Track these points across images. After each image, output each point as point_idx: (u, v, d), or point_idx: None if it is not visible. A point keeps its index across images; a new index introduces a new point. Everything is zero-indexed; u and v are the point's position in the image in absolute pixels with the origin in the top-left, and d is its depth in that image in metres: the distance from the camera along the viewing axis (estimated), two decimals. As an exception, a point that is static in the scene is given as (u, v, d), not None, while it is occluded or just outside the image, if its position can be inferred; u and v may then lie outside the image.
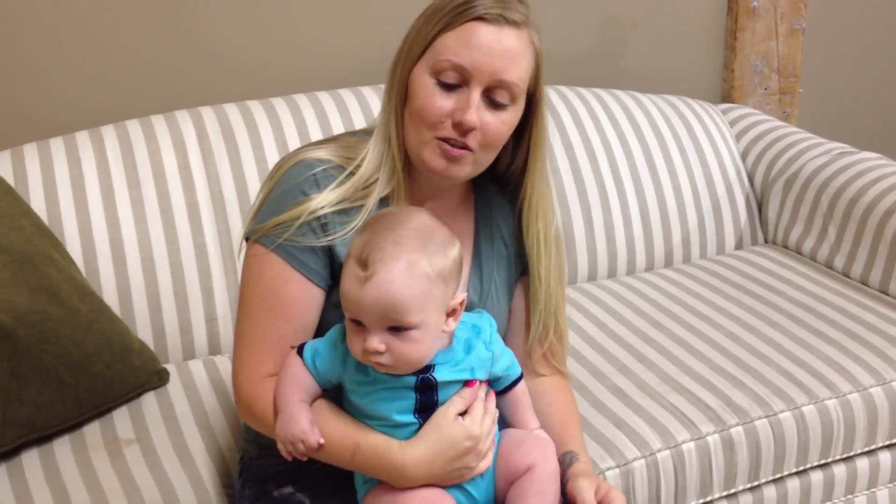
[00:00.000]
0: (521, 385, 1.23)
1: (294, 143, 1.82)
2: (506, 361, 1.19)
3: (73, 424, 1.48)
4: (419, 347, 1.07)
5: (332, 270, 1.21)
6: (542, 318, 1.31)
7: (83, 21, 1.87)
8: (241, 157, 1.78)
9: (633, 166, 2.08)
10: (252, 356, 1.19)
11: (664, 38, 2.40)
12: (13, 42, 1.84)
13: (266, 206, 1.21)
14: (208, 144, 1.78)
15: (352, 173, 1.20)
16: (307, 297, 1.20)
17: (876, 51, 2.73)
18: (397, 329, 1.05)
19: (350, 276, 1.06)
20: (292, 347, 1.18)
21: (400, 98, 1.21)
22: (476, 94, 1.15)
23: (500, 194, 1.33)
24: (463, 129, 1.16)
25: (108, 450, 1.44)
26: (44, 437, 1.45)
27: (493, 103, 1.17)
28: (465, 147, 1.17)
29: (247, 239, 1.24)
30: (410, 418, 1.11)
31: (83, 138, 1.75)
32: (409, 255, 1.05)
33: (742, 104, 2.45)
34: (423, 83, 1.17)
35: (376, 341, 1.05)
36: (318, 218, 1.18)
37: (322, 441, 1.10)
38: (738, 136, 2.26)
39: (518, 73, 1.17)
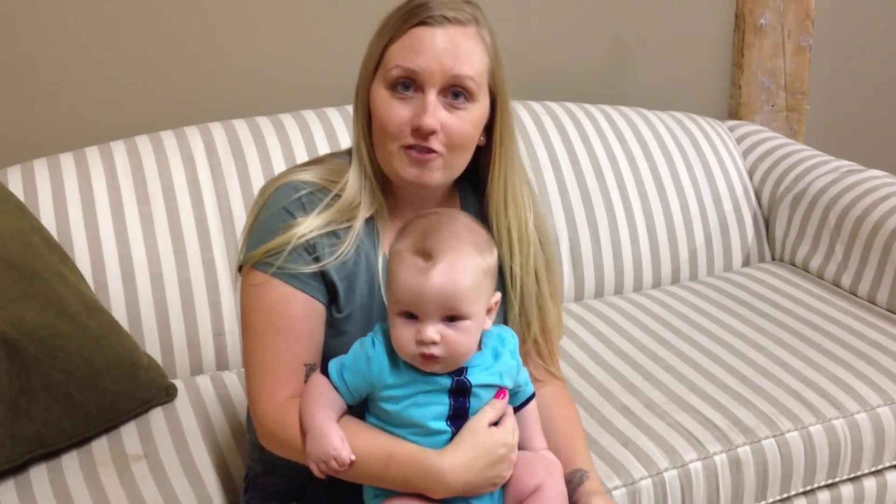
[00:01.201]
0: (533, 404, 1.24)
1: (302, 159, 1.82)
2: (525, 375, 1.21)
3: (81, 440, 1.49)
4: (470, 339, 1.10)
5: (326, 288, 1.21)
6: (518, 315, 1.30)
7: (93, 37, 1.88)
8: (249, 172, 1.79)
9: (639, 183, 2.09)
10: (268, 381, 1.18)
11: (671, 54, 2.41)
12: (23, 58, 1.85)
13: (255, 232, 1.21)
14: (217, 160, 1.79)
15: (337, 195, 1.21)
16: (313, 313, 1.20)
17: (883, 68, 2.73)
18: (451, 319, 1.08)
19: (409, 268, 1.08)
20: (305, 365, 1.18)
21: (365, 118, 1.22)
22: (431, 97, 1.16)
23: (479, 199, 1.32)
24: (422, 133, 1.16)
25: (115, 465, 1.45)
26: (52, 453, 1.46)
27: (451, 104, 1.17)
28: (431, 150, 1.17)
29: (240, 268, 1.24)
30: (443, 425, 1.12)
31: (93, 154, 1.76)
32: (466, 248, 1.10)
33: (749, 121, 2.45)
34: (380, 97, 1.18)
35: (433, 331, 1.07)
36: (308, 241, 1.18)
37: (353, 457, 1.10)
38: (746, 153, 2.26)
39: (470, 67, 1.17)
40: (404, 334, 1.09)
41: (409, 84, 1.16)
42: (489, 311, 1.14)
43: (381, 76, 1.18)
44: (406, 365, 1.12)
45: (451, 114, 1.17)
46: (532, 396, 1.23)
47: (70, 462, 1.45)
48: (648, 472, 1.47)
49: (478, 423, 1.12)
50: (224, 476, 1.45)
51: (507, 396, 1.17)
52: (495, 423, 1.14)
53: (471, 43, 1.17)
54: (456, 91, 1.17)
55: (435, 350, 1.08)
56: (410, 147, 1.17)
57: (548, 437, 1.26)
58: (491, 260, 1.13)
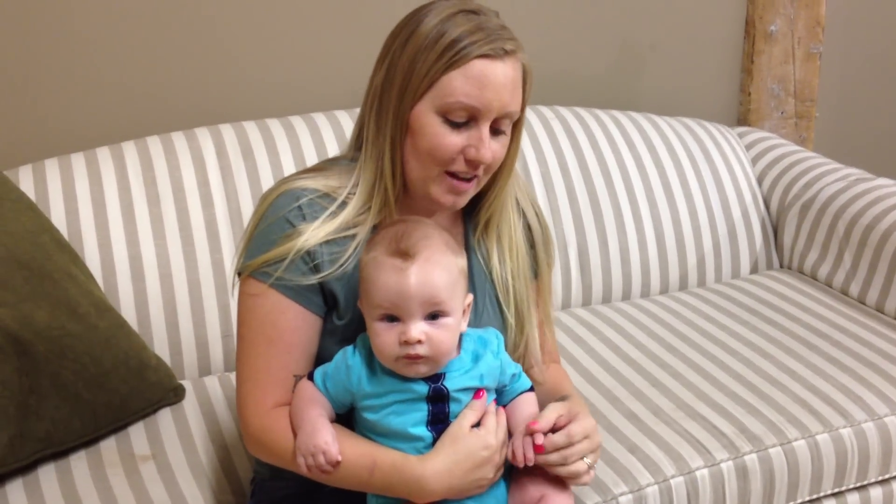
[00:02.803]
0: (530, 394, 1.23)
1: (312, 162, 1.83)
2: (511, 369, 1.21)
3: (89, 440, 1.49)
4: (452, 337, 1.12)
5: (323, 298, 1.21)
6: (514, 323, 1.31)
7: (104, 38, 1.89)
8: (259, 175, 1.80)
9: (648, 188, 2.09)
10: (257, 389, 1.19)
11: (681, 60, 2.41)
12: (35, 58, 1.85)
13: (255, 240, 1.21)
14: (227, 162, 1.79)
15: (343, 203, 1.20)
16: (305, 325, 1.20)
17: (893, 76, 2.73)
18: (433, 317, 1.10)
19: (388, 270, 1.09)
20: (295, 376, 1.19)
21: (400, 133, 1.19)
22: (486, 131, 1.16)
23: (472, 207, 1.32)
24: (477, 164, 1.17)
25: (123, 466, 1.45)
26: (60, 452, 1.46)
27: (496, 131, 1.19)
28: (473, 178, 1.19)
29: (238, 274, 1.24)
30: (424, 431, 1.13)
31: (104, 154, 1.76)
32: (440, 247, 1.12)
33: (758, 128, 2.45)
34: (430, 121, 1.16)
35: (417, 330, 1.08)
36: (308, 251, 1.18)
37: (339, 459, 1.11)
38: (755, 160, 2.26)
39: (518, 101, 1.19)
40: (386, 338, 1.10)
41: (464, 115, 1.16)
42: (464, 312, 1.15)
43: (434, 101, 1.16)
44: (383, 374, 1.13)
45: (495, 140, 1.19)
46: (529, 389, 1.23)
47: (78, 462, 1.46)
48: (655, 478, 1.46)
49: (458, 427, 1.13)
50: (231, 478, 1.45)
51: (486, 396, 1.16)
52: (477, 424, 1.15)
53: (519, 74, 1.18)
54: (503, 122, 1.19)
55: (420, 350, 1.09)
56: (454, 174, 1.18)
57: (540, 389, 1.27)
58: (462, 261, 1.15)
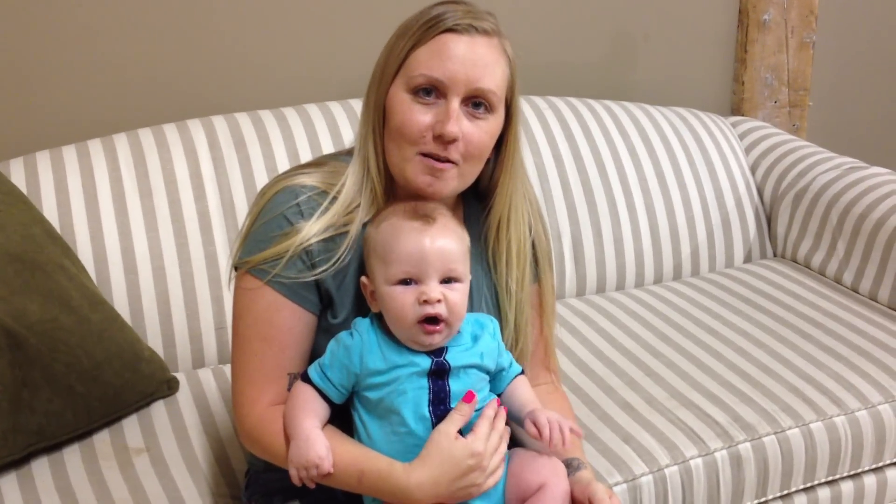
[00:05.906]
0: (522, 377, 1.24)
1: (305, 153, 1.82)
2: (508, 358, 1.23)
3: (82, 433, 1.49)
4: (465, 301, 1.14)
5: (319, 296, 1.21)
6: (513, 330, 1.30)
7: (96, 30, 1.88)
8: (252, 166, 1.79)
9: (642, 178, 2.08)
10: (251, 387, 1.19)
11: (675, 50, 2.41)
12: (26, 50, 1.85)
13: (252, 236, 1.21)
14: (220, 154, 1.79)
15: (335, 198, 1.20)
16: (300, 324, 1.20)
17: (886, 65, 2.73)
18: (447, 281, 1.13)
19: (409, 232, 1.12)
20: (289, 374, 1.19)
21: (378, 120, 1.20)
22: (455, 105, 1.15)
23: (482, 210, 1.32)
24: (444, 140, 1.15)
25: (117, 459, 1.45)
26: (54, 446, 1.46)
27: (472, 113, 1.17)
28: (448, 160, 1.17)
29: (235, 268, 1.23)
30: (425, 412, 1.12)
31: (96, 146, 1.76)
32: (452, 218, 1.17)
33: (752, 117, 2.45)
34: (400, 100, 1.17)
35: (437, 291, 1.11)
36: (305, 249, 1.18)
37: (332, 471, 1.12)
38: (748, 149, 2.26)
39: (494, 80, 1.17)
40: (405, 300, 1.11)
41: (430, 90, 1.16)
42: None
43: (403, 80, 1.17)
44: (386, 348, 1.13)
45: (471, 123, 1.17)
46: (520, 373, 1.24)
47: (72, 455, 1.46)
48: (649, 468, 1.47)
49: (443, 435, 1.11)
50: (226, 470, 1.45)
51: (476, 400, 1.15)
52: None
53: (495, 54, 1.17)
54: (477, 101, 1.17)
55: (440, 308, 1.10)
56: (428, 155, 1.16)
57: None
58: (468, 239, 1.18)
